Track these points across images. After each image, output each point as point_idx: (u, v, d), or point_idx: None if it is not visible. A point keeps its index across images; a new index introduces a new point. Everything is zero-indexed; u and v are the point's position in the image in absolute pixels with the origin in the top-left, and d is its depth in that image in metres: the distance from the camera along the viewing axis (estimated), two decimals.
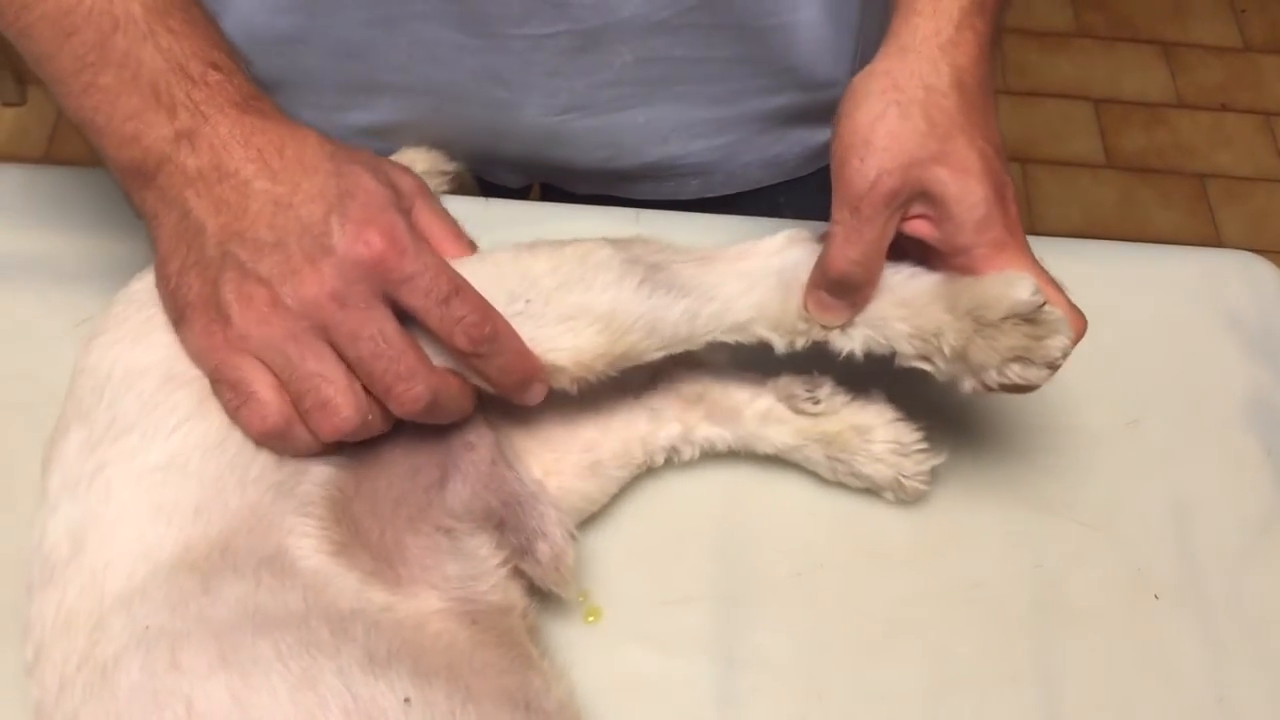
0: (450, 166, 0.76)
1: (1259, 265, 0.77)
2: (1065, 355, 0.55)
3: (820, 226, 0.61)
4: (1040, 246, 0.77)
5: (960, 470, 0.65)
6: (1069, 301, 0.56)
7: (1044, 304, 0.54)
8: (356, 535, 0.53)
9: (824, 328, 0.58)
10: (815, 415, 0.63)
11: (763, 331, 0.58)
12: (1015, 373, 0.55)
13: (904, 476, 0.62)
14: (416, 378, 0.51)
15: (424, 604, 0.52)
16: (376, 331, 0.50)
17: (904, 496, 0.63)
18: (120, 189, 0.54)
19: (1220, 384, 0.71)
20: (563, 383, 0.56)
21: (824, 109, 0.80)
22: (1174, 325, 0.73)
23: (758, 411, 0.63)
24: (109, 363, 0.54)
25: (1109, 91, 2.21)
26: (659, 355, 0.57)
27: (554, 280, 0.55)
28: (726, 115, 0.78)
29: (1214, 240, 2.02)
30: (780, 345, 0.59)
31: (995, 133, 0.56)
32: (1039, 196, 2.05)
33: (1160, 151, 2.13)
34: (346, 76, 0.73)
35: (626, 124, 0.76)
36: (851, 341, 0.58)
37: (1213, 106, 2.20)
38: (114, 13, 0.51)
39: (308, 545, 0.51)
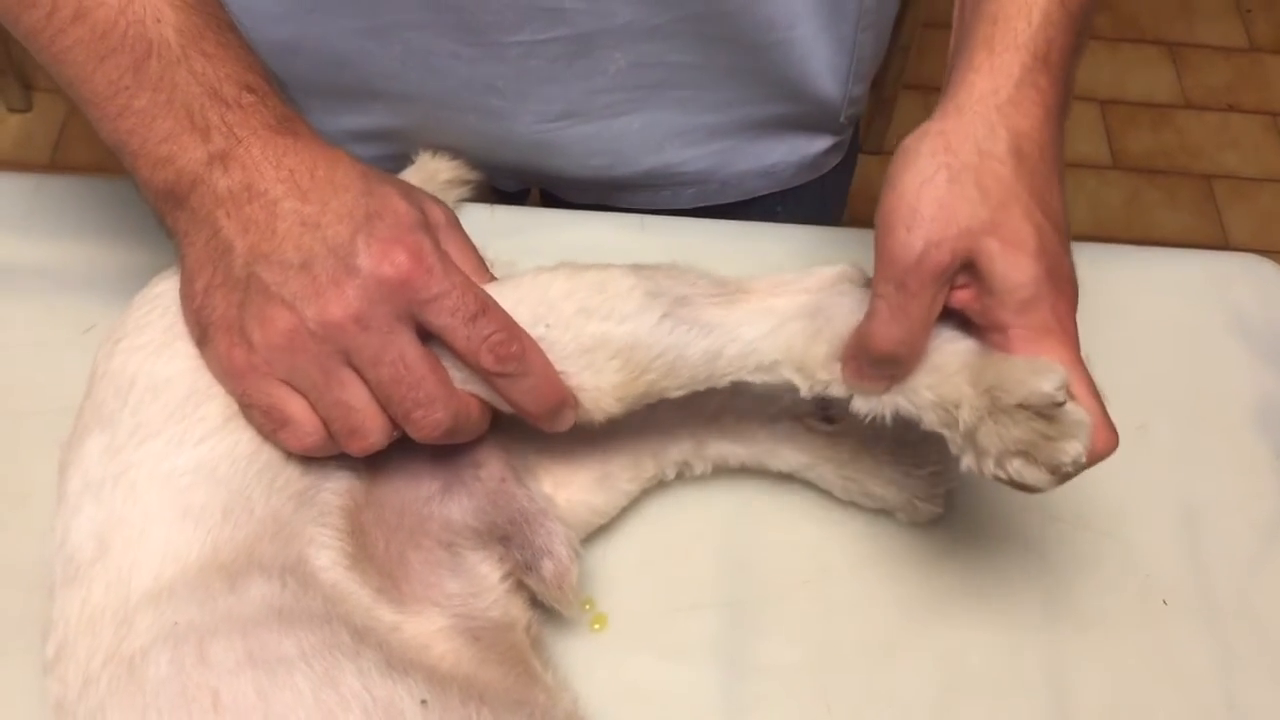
0: (473, 175, 0.76)
1: (1267, 268, 0.76)
2: (1075, 466, 0.49)
3: (865, 236, 0.56)
4: None
5: (968, 476, 0.65)
6: (1104, 413, 0.51)
7: (1065, 403, 0.49)
8: (365, 547, 0.54)
9: (858, 393, 0.54)
10: (829, 434, 0.62)
11: (789, 374, 0.55)
12: (1014, 469, 0.50)
13: (917, 499, 0.62)
14: (435, 404, 0.51)
15: (428, 623, 0.53)
16: (398, 356, 0.50)
17: (917, 518, 0.63)
18: (153, 211, 0.54)
19: (1229, 387, 0.71)
20: (590, 419, 0.55)
21: (818, 119, 0.80)
22: (1182, 329, 0.73)
23: (772, 429, 0.63)
24: (132, 369, 0.54)
25: (1115, 92, 2.20)
26: (680, 394, 0.55)
27: (571, 305, 0.54)
28: (721, 121, 0.77)
29: (1221, 241, 2.01)
30: (805, 390, 0.55)
31: (1058, 207, 0.51)
32: None
33: (1167, 152, 2.13)
34: (339, 84, 0.73)
35: (622, 130, 0.76)
36: (882, 408, 0.54)
37: (1219, 107, 2.20)
38: (148, 37, 0.51)
39: (326, 557, 0.52)
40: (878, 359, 0.52)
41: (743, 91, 0.76)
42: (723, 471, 0.64)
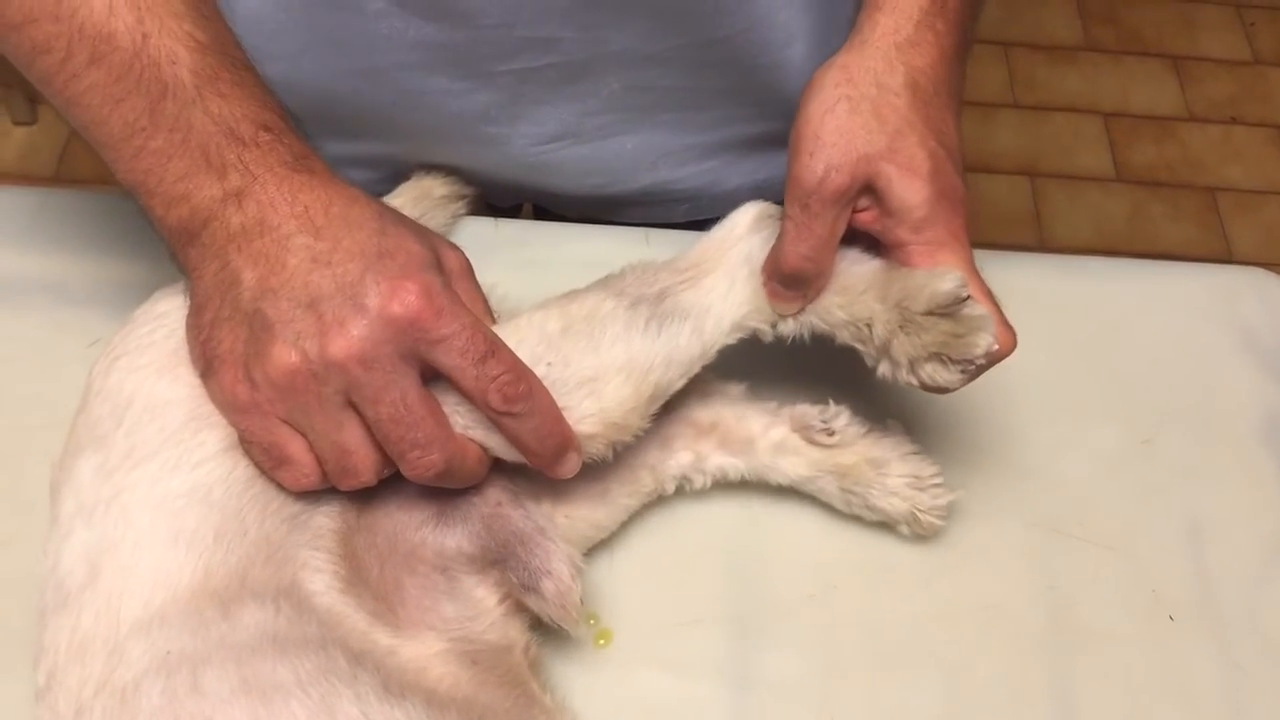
0: (468, 191, 0.76)
1: (1272, 282, 0.76)
2: (985, 357, 0.54)
3: None
4: (1052, 266, 0.77)
5: (974, 490, 0.65)
6: (1001, 314, 0.56)
7: (967, 298, 0.54)
8: (358, 571, 0.53)
9: (778, 313, 0.59)
10: (830, 447, 0.62)
11: (754, 324, 0.59)
12: (927, 372, 0.55)
13: (920, 511, 0.62)
14: (432, 446, 0.51)
15: (424, 647, 0.53)
16: (398, 396, 0.50)
17: (920, 530, 0.63)
18: (167, 250, 0.54)
19: (1235, 401, 0.71)
20: (597, 449, 0.55)
21: None
22: (1187, 343, 0.73)
23: (771, 442, 0.63)
24: (130, 389, 0.54)
25: (1118, 105, 2.20)
26: (683, 382, 0.57)
27: (570, 342, 0.55)
28: (714, 140, 0.77)
29: (1225, 254, 2.01)
30: (767, 335, 0.59)
31: (952, 136, 0.56)
32: (1048, 211, 2.04)
33: (1170, 165, 2.13)
34: (331, 119, 0.73)
35: (615, 151, 0.76)
36: (798, 327, 0.59)
37: (1222, 119, 2.20)
38: (162, 79, 0.51)
39: (320, 581, 0.52)
40: (787, 277, 0.57)
41: (736, 111, 0.76)
42: (723, 485, 0.64)
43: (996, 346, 0.54)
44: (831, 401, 0.63)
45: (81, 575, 0.50)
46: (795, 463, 0.63)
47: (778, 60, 0.72)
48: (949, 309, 0.54)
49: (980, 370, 0.55)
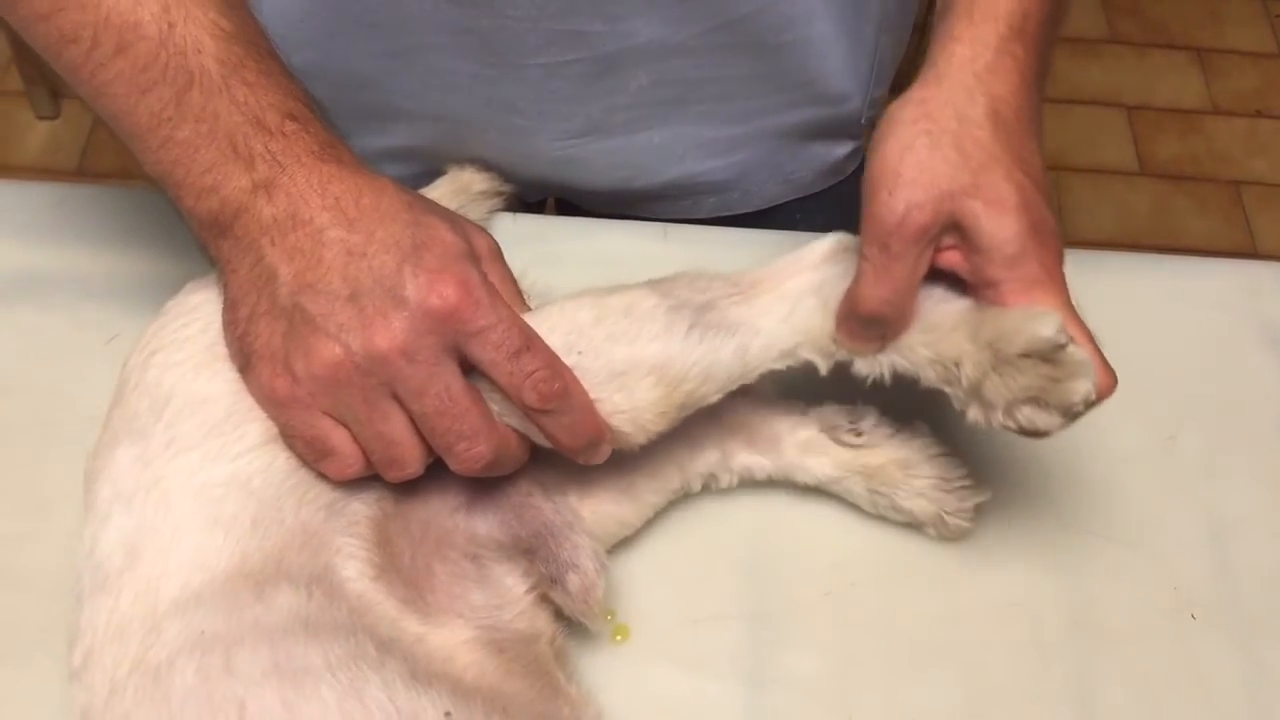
0: (506, 187, 0.76)
1: None
2: (1085, 404, 0.51)
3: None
4: (1074, 261, 0.76)
5: (995, 488, 0.64)
6: (1100, 353, 0.53)
7: (1066, 344, 0.51)
8: (391, 557, 0.54)
9: (853, 354, 0.57)
10: (857, 447, 0.62)
11: (808, 355, 0.57)
12: (1025, 416, 0.52)
13: (946, 513, 0.62)
14: (479, 437, 0.51)
15: (452, 634, 0.53)
16: (443, 389, 0.50)
17: (946, 533, 0.62)
18: (196, 242, 0.54)
19: (1258, 398, 0.70)
20: (625, 444, 0.55)
21: (838, 124, 0.80)
22: (1211, 338, 0.72)
23: (799, 441, 0.62)
24: (168, 385, 0.54)
25: (1142, 98, 2.19)
26: (717, 398, 0.56)
27: (601, 331, 0.54)
28: (742, 132, 0.77)
29: (1249, 248, 2.00)
30: (824, 367, 0.57)
31: (1037, 166, 0.54)
32: (1072, 205, 2.03)
33: (1194, 158, 2.11)
34: (360, 105, 0.73)
35: (643, 145, 0.76)
36: (879, 367, 0.56)
37: (1247, 113, 2.18)
38: (189, 68, 0.51)
39: (353, 568, 0.52)
40: (865, 319, 0.54)
41: (763, 101, 0.75)
42: (748, 484, 0.64)
43: (1095, 396, 0.52)
44: (859, 402, 0.63)
45: (121, 559, 0.51)
46: (822, 463, 0.63)
47: (801, 38, 0.72)
48: (1049, 353, 0.51)
49: (1080, 414, 0.52)
